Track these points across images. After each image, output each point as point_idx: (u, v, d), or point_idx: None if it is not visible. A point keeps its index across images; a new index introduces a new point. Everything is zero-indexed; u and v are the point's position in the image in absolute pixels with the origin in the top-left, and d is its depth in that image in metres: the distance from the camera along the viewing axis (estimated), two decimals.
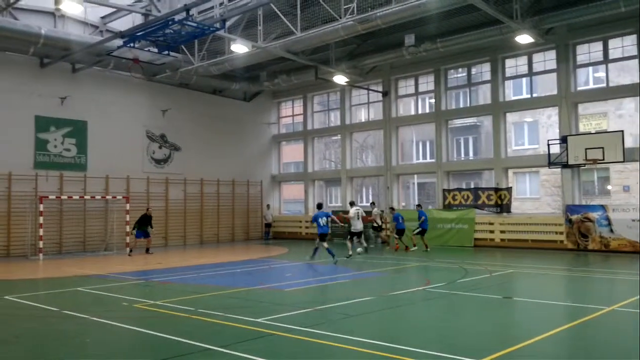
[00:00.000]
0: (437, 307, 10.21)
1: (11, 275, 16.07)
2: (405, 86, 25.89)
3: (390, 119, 25.64)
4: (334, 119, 29.09)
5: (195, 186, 26.28)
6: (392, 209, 23.11)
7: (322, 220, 16.89)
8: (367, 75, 25.52)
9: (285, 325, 8.15)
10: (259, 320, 8.55)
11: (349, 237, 18.84)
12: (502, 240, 21.46)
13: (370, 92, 26.37)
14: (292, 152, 32.10)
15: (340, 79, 23.72)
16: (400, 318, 9.37)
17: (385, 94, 25.73)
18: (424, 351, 6.78)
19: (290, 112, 30.59)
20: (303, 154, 29.40)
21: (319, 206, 18.15)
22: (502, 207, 21.81)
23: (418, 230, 20.82)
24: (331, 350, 7.01)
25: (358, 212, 18.67)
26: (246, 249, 23.45)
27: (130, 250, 20.64)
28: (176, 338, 7.58)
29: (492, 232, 21.78)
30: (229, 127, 27.84)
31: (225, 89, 26.90)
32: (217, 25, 16.91)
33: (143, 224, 20.60)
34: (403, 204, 26.67)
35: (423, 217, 20.79)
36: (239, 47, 19.72)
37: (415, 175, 28.28)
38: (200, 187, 26.43)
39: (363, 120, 28.33)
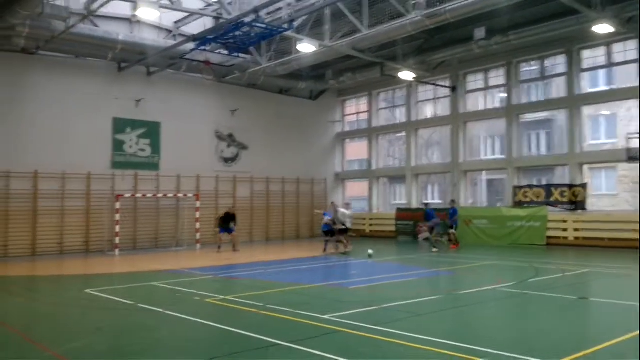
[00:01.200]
0: (509, 307, 9.91)
1: (90, 269, 17.01)
2: (475, 80, 25.23)
3: (459, 115, 25.08)
4: (399, 115, 28.78)
5: (262, 184, 26.74)
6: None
7: (325, 219, 20.42)
8: (435, 70, 25.01)
9: (352, 323, 8.15)
10: (325, 317, 8.61)
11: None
12: (576, 238, 20.56)
13: (437, 87, 25.91)
14: (356, 150, 32.01)
15: (407, 75, 23.41)
16: (470, 318, 9.18)
17: (453, 89, 25.20)
18: (497, 352, 6.60)
19: (355, 109, 30.54)
20: (367, 151, 29.31)
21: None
22: (577, 204, 20.88)
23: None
24: (400, 349, 6.94)
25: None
26: (311, 246, 23.60)
27: (219, 247, 21.13)
28: (246, 333, 7.75)
29: (565, 230, 20.91)
30: (295, 126, 28.14)
31: (291, 89, 27.20)
32: (286, 25, 17.13)
33: (225, 222, 21.21)
34: (471, 201, 26.05)
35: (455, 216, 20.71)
36: (306, 47, 19.89)
37: (484, 172, 27.53)
38: (266, 185, 26.87)
39: (429, 116, 27.84)
